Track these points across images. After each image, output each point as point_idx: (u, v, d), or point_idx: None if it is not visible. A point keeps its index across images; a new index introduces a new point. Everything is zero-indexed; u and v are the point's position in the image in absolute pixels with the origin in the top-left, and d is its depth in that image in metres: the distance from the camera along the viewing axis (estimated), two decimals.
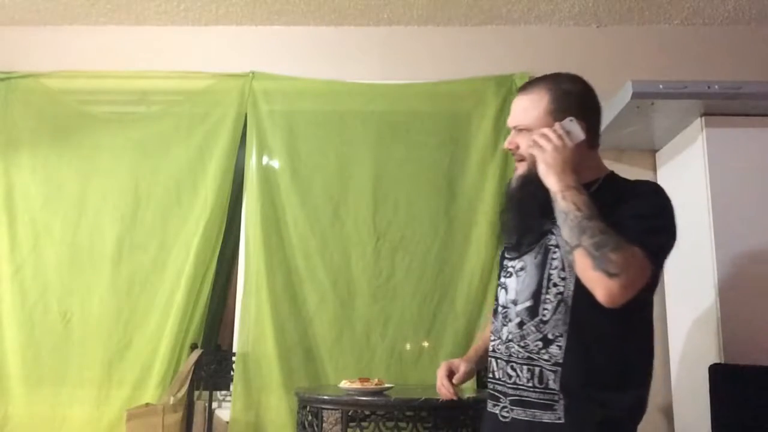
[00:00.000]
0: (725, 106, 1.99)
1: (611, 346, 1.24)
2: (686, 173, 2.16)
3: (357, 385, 1.82)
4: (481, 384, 2.17)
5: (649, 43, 2.60)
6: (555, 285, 1.26)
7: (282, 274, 2.36)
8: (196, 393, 2.30)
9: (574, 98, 1.31)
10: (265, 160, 2.48)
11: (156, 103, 2.58)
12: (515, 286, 1.35)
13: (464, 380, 1.59)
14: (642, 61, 2.57)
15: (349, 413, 1.72)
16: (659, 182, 2.39)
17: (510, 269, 1.38)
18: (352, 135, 2.48)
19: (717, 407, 1.80)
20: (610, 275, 1.12)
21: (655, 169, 2.44)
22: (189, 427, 2.23)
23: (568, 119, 1.27)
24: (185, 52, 2.63)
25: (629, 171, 2.46)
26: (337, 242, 2.39)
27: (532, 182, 1.29)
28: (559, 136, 1.25)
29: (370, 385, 1.83)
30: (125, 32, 2.66)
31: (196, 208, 2.41)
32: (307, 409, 1.80)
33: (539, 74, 2.50)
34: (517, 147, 1.35)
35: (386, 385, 1.87)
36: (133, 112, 2.58)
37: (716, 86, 1.92)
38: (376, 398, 1.75)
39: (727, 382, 1.80)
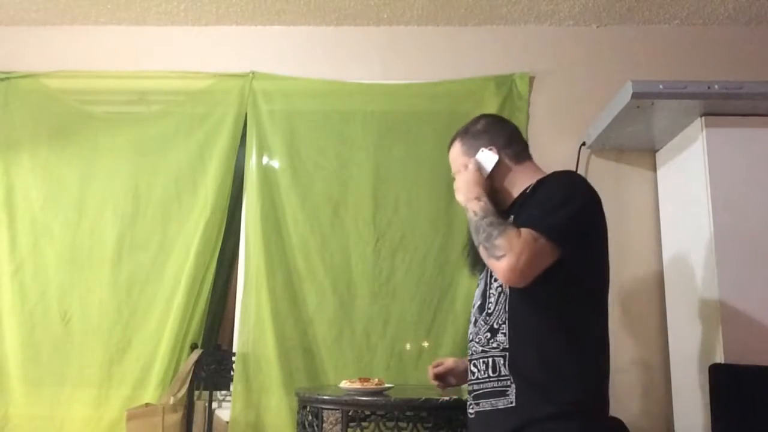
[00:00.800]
0: (725, 106, 1.99)
1: (550, 331, 1.31)
2: (686, 173, 2.16)
3: (357, 385, 1.82)
4: None
5: (649, 43, 2.60)
6: (496, 280, 1.39)
7: (282, 274, 2.36)
8: (196, 393, 2.30)
9: (479, 134, 1.55)
10: (265, 160, 2.48)
11: (156, 103, 2.58)
12: (477, 293, 1.49)
13: (447, 373, 1.73)
14: (642, 61, 2.57)
15: (349, 413, 1.72)
16: (659, 182, 2.40)
17: (479, 282, 1.52)
18: (352, 135, 2.48)
19: (717, 407, 1.80)
20: (498, 258, 1.27)
21: (655, 169, 2.44)
22: (189, 427, 2.23)
23: (479, 151, 1.51)
24: (185, 52, 2.63)
25: (629, 171, 2.47)
26: (337, 242, 2.38)
27: None
28: (468, 169, 1.48)
29: (370, 385, 1.83)
30: (125, 32, 2.66)
31: (196, 208, 2.41)
32: (307, 409, 1.80)
33: (539, 74, 2.57)
34: None
35: (386, 385, 1.87)
36: (133, 112, 2.58)
37: (716, 86, 1.92)
38: (376, 398, 1.75)
39: (727, 382, 1.80)
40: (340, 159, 2.46)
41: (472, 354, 1.43)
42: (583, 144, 2.42)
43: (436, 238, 2.38)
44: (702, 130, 2.04)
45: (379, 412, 1.75)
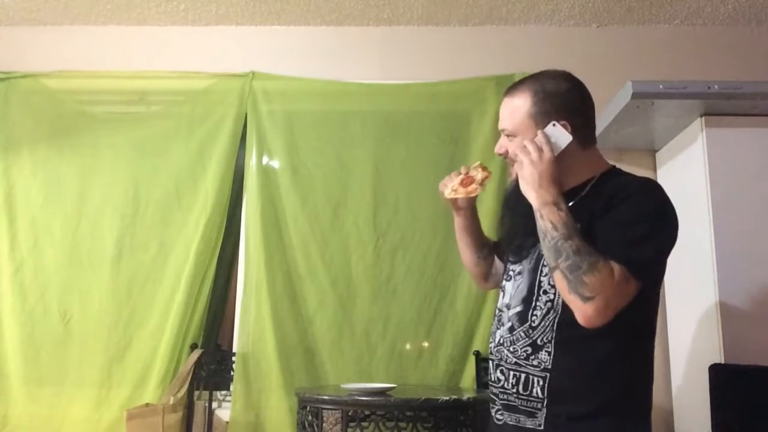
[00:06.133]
0: (725, 106, 1.99)
1: (600, 355, 1.19)
2: (686, 173, 2.16)
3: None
4: (481, 384, 2.18)
5: (649, 43, 2.60)
6: (545, 292, 1.24)
7: (282, 274, 2.36)
8: (196, 393, 2.30)
9: (557, 99, 1.27)
10: (265, 160, 2.48)
11: (156, 103, 2.58)
12: (511, 290, 1.33)
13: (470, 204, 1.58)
14: (642, 61, 2.57)
15: (349, 413, 1.72)
16: (659, 182, 2.40)
17: (510, 272, 1.36)
18: (352, 135, 2.48)
19: (717, 407, 1.80)
20: (585, 299, 1.10)
21: (655, 169, 2.44)
22: (189, 427, 2.23)
23: (550, 125, 1.24)
24: (185, 52, 2.63)
25: (629, 171, 2.46)
26: (337, 242, 2.38)
27: None
28: (538, 148, 1.22)
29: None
30: (125, 32, 2.66)
31: (196, 208, 2.41)
32: (307, 409, 1.80)
33: None
34: (507, 151, 1.33)
35: (388, 385, 1.88)
36: (133, 112, 2.58)
37: (716, 86, 1.92)
38: (376, 398, 1.75)
39: (727, 382, 1.80)
40: (340, 159, 2.46)
41: (501, 359, 1.29)
42: None
43: (436, 238, 2.38)
44: (702, 130, 2.04)
45: (379, 412, 1.75)
